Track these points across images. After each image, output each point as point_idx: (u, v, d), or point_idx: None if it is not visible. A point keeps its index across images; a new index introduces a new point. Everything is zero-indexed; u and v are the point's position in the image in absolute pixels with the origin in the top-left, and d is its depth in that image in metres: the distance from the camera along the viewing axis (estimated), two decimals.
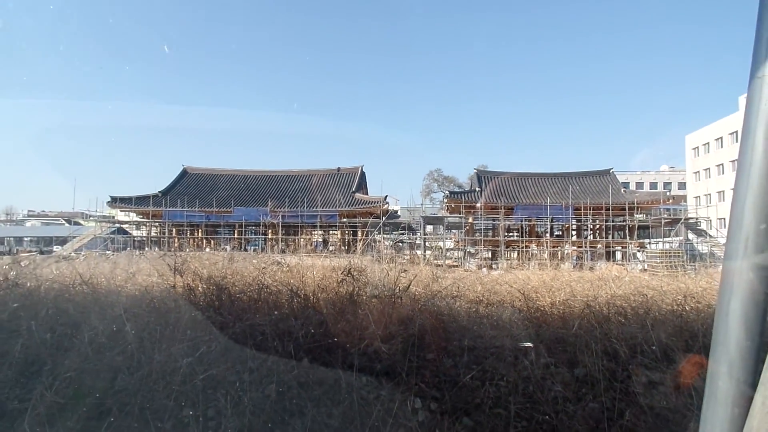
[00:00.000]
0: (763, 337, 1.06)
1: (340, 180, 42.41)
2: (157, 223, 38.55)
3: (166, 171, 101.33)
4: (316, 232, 40.62)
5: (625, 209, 32.78)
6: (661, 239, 34.86)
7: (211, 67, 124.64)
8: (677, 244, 32.75)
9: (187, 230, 38.54)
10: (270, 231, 36.14)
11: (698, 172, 52.30)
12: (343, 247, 31.05)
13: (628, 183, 56.54)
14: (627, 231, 33.29)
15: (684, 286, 5.68)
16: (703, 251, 30.77)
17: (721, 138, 48.13)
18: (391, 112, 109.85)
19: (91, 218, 40.82)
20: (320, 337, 3.67)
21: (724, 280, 1.12)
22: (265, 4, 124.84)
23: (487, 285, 6.21)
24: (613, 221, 33.81)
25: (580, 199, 33.77)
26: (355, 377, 3.23)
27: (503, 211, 33.38)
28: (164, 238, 37.38)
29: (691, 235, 34.57)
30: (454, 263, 28.98)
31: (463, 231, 35.65)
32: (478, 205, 34.11)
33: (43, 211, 78.27)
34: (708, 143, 50.56)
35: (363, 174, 43.29)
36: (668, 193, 42.44)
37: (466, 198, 36.48)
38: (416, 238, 36.13)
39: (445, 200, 39.62)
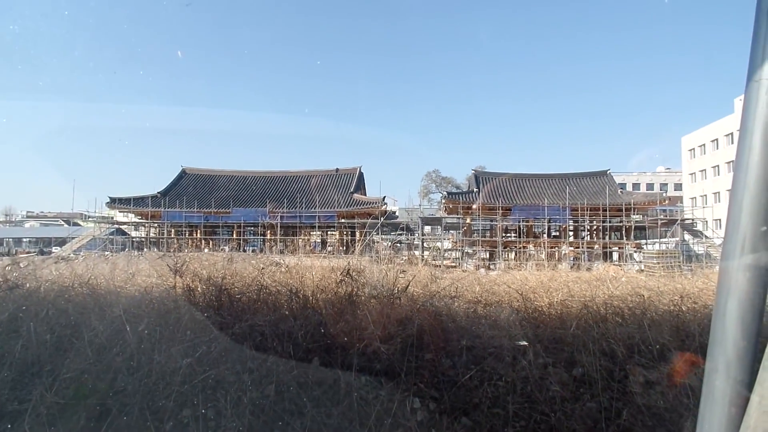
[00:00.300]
0: (759, 337, 1.07)
1: (338, 181, 42.43)
2: (155, 224, 38.43)
3: (165, 172, 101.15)
4: (314, 233, 40.57)
5: (621, 210, 32.96)
6: (658, 240, 35.11)
7: (210, 67, 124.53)
8: (674, 245, 32.96)
9: (185, 231, 38.51)
10: (269, 232, 36.10)
11: (694, 173, 52.48)
12: (341, 248, 31.06)
13: (625, 184, 56.77)
14: (624, 232, 33.48)
15: (681, 287, 5.67)
16: (699, 252, 30.98)
17: (717, 140, 48.31)
18: (391, 112, 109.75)
19: (90, 219, 40.62)
20: (319, 338, 3.68)
21: (721, 280, 1.13)
22: (265, 5, 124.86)
23: (485, 285, 6.18)
24: (610, 222, 33.93)
25: (577, 199, 33.91)
26: (354, 377, 3.24)
27: (501, 211, 33.53)
28: (163, 238, 37.26)
29: (687, 236, 34.77)
30: (452, 264, 28.97)
31: (461, 231, 35.68)
32: (476, 205, 34.24)
33: (42, 211, 77.95)
34: (704, 145, 50.74)
35: (361, 175, 43.32)
36: (664, 195, 42.60)
37: (464, 199, 36.57)
38: (414, 239, 36.19)
39: (443, 201, 39.76)
